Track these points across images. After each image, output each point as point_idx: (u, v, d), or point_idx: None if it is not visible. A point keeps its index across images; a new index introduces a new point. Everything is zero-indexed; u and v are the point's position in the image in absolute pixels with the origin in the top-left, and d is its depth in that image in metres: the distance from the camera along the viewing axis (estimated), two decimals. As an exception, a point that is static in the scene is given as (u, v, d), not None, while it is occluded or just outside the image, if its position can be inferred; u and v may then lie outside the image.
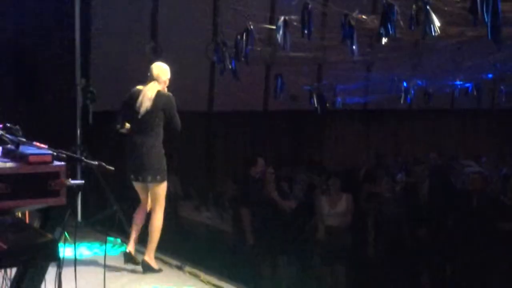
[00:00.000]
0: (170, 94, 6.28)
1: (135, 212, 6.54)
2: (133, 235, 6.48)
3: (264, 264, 8.59)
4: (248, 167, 9.19)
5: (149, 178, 6.20)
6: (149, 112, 6.16)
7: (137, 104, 6.18)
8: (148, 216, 6.42)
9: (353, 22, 7.67)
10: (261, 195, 8.82)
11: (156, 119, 6.18)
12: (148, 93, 6.18)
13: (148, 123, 6.18)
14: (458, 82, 13.38)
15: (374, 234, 8.76)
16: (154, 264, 6.36)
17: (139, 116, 6.18)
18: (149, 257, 6.34)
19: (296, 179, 10.54)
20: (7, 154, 3.57)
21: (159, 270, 6.38)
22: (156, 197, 6.27)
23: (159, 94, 6.20)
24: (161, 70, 6.28)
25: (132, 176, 6.31)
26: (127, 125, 6.35)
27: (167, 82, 6.32)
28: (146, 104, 6.15)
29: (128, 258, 6.44)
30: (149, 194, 6.35)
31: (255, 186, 8.87)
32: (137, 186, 6.39)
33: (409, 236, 8.68)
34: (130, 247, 6.46)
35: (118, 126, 6.37)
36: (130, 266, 6.47)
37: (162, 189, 6.27)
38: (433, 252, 8.35)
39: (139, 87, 6.32)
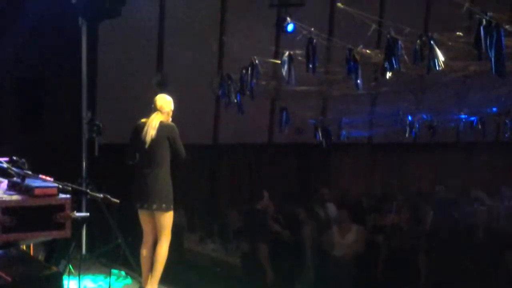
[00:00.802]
0: (173, 124, 6.35)
1: (141, 248, 6.50)
2: (145, 271, 6.43)
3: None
4: (255, 201, 9.19)
5: (154, 206, 6.20)
6: (154, 142, 6.21)
7: (143, 135, 6.24)
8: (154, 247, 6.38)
9: (357, 56, 7.72)
10: (266, 227, 8.83)
11: (162, 149, 6.22)
12: (152, 123, 6.24)
13: (154, 153, 6.22)
14: (463, 116, 13.40)
15: (384, 266, 8.72)
16: None
17: (146, 147, 6.22)
18: None
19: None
20: (13, 187, 3.59)
21: None
22: (162, 227, 6.25)
23: (162, 124, 6.25)
24: (164, 101, 6.34)
25: (138, 205, 6.30)
26: (138, 156, 6.40)
27: (171, 114, 6.37)
28: (151, 133, 6.21)
29: None
30: (155, 225, 6.33)
31: (262, 219, 8.87)
32: (143, 215, 6.37)
33: (418, 267, 8.63)
34: (145, 284, 6.41)
35: (130, 162, 6.43)
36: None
37: (168, 218, 6.26)
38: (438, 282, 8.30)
39: (144, 120, 6.36)
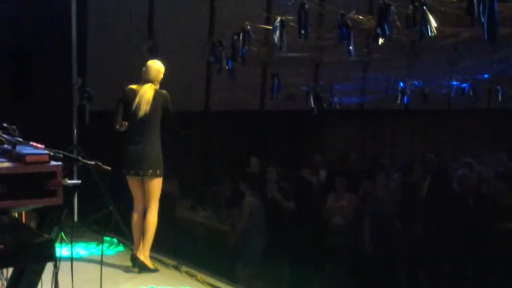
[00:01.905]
0: (165, 92, 6.33)
1: (132, 214, 6.51)
2: (136, 238, 6.45)
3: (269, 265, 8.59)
4: (243, 166, 9.19)
5: (150, 171, 6.22)
6: (147, 114, 6.19)
7: (134, 107, 6.20)
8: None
9: (349, 23, 7.67)
10: (260, 193, 8.84)
11: (155, 118, 6.21)
12: (145, 96, 6.19)
13: (147, 122, 6.22)
14: (454, 83, 13.40)
15: (370, 234, 8.78)
16: (149, 263, 6.36)
17: (138, 117, 6.20)
18: (144, 255, 6.33)
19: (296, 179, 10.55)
20: (4, 154, 3.57)
21: (155, 270, 6.38)
22: (152, 193, 6.26)
23: (156, 94, 6.22)
24: (156, 70, 6.31)
25: (131, 172, 6.29)
26: (125, 124, 6.36)
27: (160, 79, 6.37)
28: (145, 108, 6.19)
29: (136, 262, 6.40)
30: (145, 191, 6.33)
31: (252, 184, 8.87)
32: (133, 182, 6.37)
33: (406, 236, 8.69)
34: (137, 251, 6.42)
35: (117, 127, 6.39)
36: (126, 266, 6.47)
37: (158, 185, 6.28)
38: (430, 250, 8.36)
39: (133, 86, 6.32)
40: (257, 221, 8.55)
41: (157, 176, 6.24)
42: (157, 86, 6.32)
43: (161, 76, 6.35)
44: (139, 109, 6.18)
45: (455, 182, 9.24)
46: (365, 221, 8.84)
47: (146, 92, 6.21)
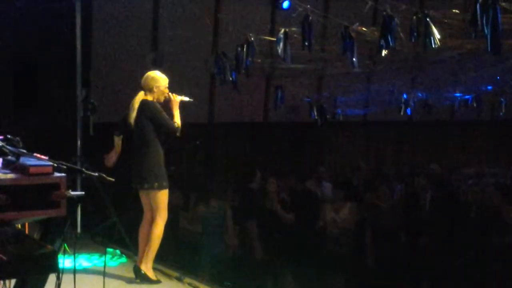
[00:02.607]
0: (151, 101, 6.19)
1: (140, 225, 6.50)
2: (141, 249, 6.43)
3: (270, 276, 8.58)
4: (248, 180, 9.18)
5: (146, 185, 6.18)
6: (138, 122, 6.18)
7: (127, 115, 6.24)
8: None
9: (353, 34, 7.69)
10: (262, 207, 8.83)
11: (146, 129, 6.17)
12: (133, 104, 6.20)
13: (141, 133, 6.19)
14: (458, 94, 13.41)
15: (372, 245, 8.76)
16: (151, 274, 6.33)
17: (133, 128, 6.21)
18: (146, 267, 6.30)
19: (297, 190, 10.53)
20: (8, 166, 3.57)
21: (157, 282, 6.35)
22: (155, 205, 6.24)
23: (142, 102, 6.19)
24: (148, 78, 6.22)
25: (132, 185, 6.31)
26: (119, 138, 6.39)
27: (159, 91, 6.20)
28: (132, 115, 6.18)
29: (138, 273, 6.38)
30: (150, 203, 6.33)
31: (256, 198, 8.87)
32: (141, 194, 6.38)
33: (408, 247, 8.66)
34: (140, 262, 6.40)
35: (117, 134, 6.41)
36: (129, 278, 6.45)
37: (160, 197, 6.21)
38: (434, 263, 8.33)
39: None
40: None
41: (154, 189, 6.18)
42: (156, 97, 6.27)
43: (155, 84, 6.21)
44: (129, 117, 6.20)
45: (459, 193, 9.25)
46: (368, 233, 8.82)
47: (135, 100, 6.21)
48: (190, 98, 6.35)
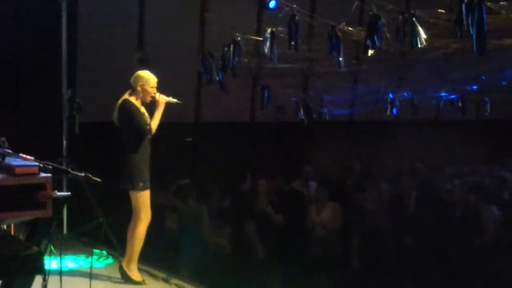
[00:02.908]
0: (126, 100, 6.12)
1: (129, 226, 6.46)
2: (128, 249, 6.40)
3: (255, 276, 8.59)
4: (239, 182, 9.20)
5: (122, 185, 6.15)
6: (119, 123, 6.16)
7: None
8: None
9: (339, 34, 7.70)
10: (253, 208, 8.86)
11: (125, 129, 6.14)
12: (117, 102, 6.18)
13: (122, 134, 6.17)
14: (443, 94, 13.47)
15: (359, 246, 8.77)
16: (134, 275, 6.26)
17: (117, 127, 6.20)
18: (127, 267, 6.25)
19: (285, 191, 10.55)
20: (-7, 166, 3.55)
21: (141, 283, 6.27)
22: (134, 207, 6.18)
23: (122, 102, 6.15)
24: (133, 77, 6.18)
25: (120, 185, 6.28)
26: None
27: (144, 90, 6.13)
28: (115, 114, 6.17)
29: (120, 270, 6.35)
30: None
31: (246, 200, 8.91)
32: (130, 195, 6.35)
33: (395, 247, 8.69)
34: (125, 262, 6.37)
35: None
36: (116, 278, 6.42)
37: (137, 199, 6.13)
38: (419, 263, 8.36)
39: None
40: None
41: (132, 189, 6.12)
42: (142, 96, 6.17)
43: (139, 83, 6.13)
44: (114, 117, 6.20)
45: (443, 193, 9.28)
46: (354, 233, 8.84)
47: (119, 99, 6.20)
48: (177, 99, 6.29)
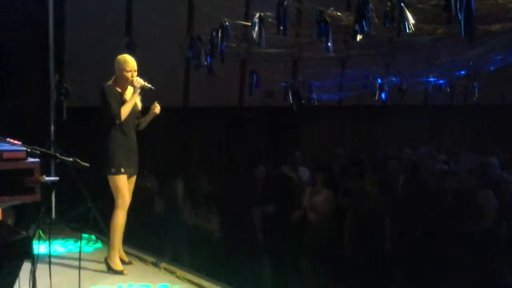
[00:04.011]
0: (106, 85, 6.09)
1: None
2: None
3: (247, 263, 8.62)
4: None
5: (103, 170, 6.13)
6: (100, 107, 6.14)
7: None
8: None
9: (328, 19, 7.69)
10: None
11: (104, 113, 6.11)
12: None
13: (103, 116, 6.15)
14: (431, 79, 13.51)
15: (350, 231, 8.80)
16: (112, 262, 6.22)
17: None
18: (109, 256, 6.23)
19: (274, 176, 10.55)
20: (-20, 151, 3.54)
21: (121, 272, 6.22)
22: (113, 192, 6.19)
23: (100, 87, 6.09)
24: (115, 62, 6.14)
25: None
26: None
27: (121, 74, 6.08)
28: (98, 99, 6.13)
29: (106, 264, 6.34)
30: None
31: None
32: None
33: (384, 232, 8.72)
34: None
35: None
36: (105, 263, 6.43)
37: (114, 183, 6.10)
38: (408, 248, 8.39)
39: None
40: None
41: (107, 174, 6.10)
42: (114, 81, 6.11)
43: (116, 67, 6.08)
44: None
45: (432, 179, 9.30)
46: (345, 220, 8.87)
47: None
48: (152, 86, 6.13)
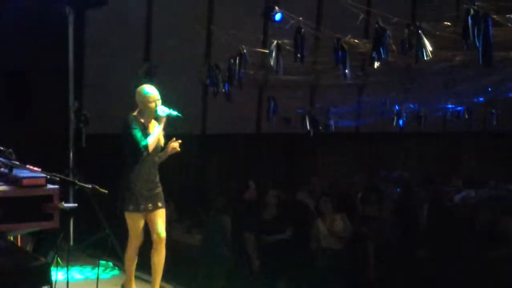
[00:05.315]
0: (130, 115, 5.84)
1: None
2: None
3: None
4: (241, 191, 9.16)
5: (117, 203, 5.94)
6: (121, 139, 5.94)
7: None
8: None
9: (345, 46, 7.72)
10: (258, 218, 8.86)
11: (125, 148, 5.87)
12: None
13: (124, 148, 5.90)
14: (449, 106, 13.47)
15: (375, 257, 8.70)
16: None
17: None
18: (125, 283, 6.18)
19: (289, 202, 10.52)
20: (1, 178, 3.56)
21: None
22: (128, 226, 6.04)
23: (124, 118, 5.86)
24: (136, 95, 5.90)
25: None
26: None
27: (144, 105, 5.82)
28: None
29: None
30: None
31: (251, 209, 8.89)
32: None
33: (409, 259, 8.63)
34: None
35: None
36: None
37: (127, 220, 5.89)
38: (434, 274, 8.29)
39: None
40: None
41: (123, 209, 5.86)
42: (138, 112, 5.86)
43: (138, 99, 5.84)
44: None
45: (455, 207, 9.23)
46: (363, 246, 8.79)
47: None
48: (178, 113, 5.90)
